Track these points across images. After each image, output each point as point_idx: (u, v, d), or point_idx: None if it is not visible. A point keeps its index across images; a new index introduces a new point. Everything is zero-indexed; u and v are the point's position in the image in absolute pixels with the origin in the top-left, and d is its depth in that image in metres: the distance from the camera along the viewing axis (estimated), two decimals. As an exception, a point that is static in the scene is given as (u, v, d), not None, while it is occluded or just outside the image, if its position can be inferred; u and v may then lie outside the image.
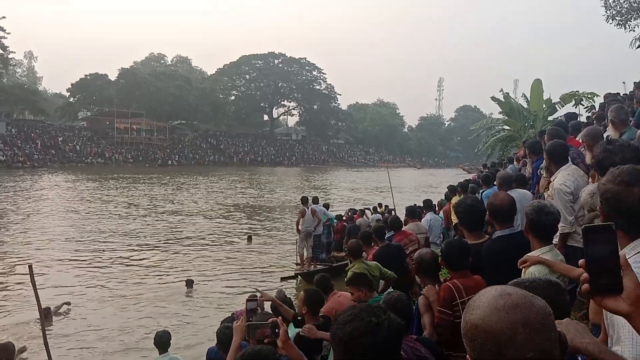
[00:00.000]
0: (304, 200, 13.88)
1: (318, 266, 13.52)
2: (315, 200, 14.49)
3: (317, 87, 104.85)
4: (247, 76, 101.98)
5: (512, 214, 3.66)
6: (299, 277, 13.31)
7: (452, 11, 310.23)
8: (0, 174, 45.00)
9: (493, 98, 27.58)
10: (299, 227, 13.67)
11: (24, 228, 20.27)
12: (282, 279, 13.38)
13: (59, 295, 11.40)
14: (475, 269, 3.65)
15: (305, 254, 13.85)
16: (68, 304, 10.78)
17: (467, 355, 1.10)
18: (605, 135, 4.78)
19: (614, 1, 26.64)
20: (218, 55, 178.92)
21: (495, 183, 7.23)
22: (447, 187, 11.73)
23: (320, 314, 4.45)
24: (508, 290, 1.08)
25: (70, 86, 76.02)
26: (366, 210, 18.27)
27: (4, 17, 63.14)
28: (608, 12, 26.91)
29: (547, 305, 1.08)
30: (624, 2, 26.51)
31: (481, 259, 3.65)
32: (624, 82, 20.61)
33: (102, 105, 75.48)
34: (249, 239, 18.61)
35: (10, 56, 68.57)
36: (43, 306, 9.51)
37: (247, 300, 3.17)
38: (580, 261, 1.12)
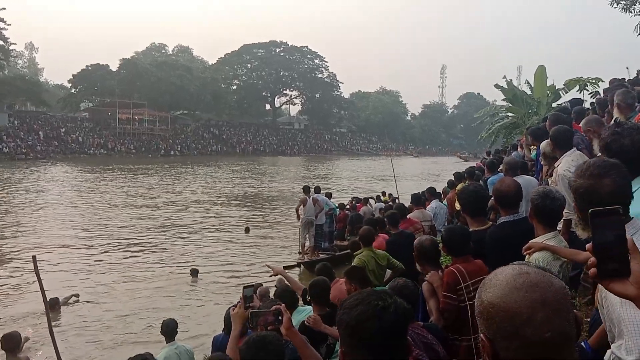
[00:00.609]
0: (306, 189, 13.93)
1: (320, 255, 13.56)
2: (317, 190, 14.50)
3: (319, 75, 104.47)
4: (248, 65, 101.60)
5: (517, 200, 3.65)
6: (302, 266, 13.35)
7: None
8: (3, 165, 45.10)
9: (496, 86, 27.35)
10: (299, 214, 13.68)
11: (28, 220, 20.34)
12: (285, 267, 13.41)
13: (64, 286, 11.47)
14: (478, 255, 3.65)
15: (307, 243, 13.87)
16: (77, 295, 10.83)
17: (481, 335, 1.09)
18: (614, 118, 4.73)
19: (618, -15, 26.32)
20: (219, 45, 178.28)
21: (499, 169, 7.20)
22: (453, 175, 11.67)
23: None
24: (526, 269, 1.08)
25: (71, 77, 76.07)
26: (370, 199, 18.28)
27: (4, 9, 63.02)
28: (613, -5, 26.60)
29: (564, 286, 1.08)
30: (629, -15, 26.20)
31: (484, 245, 3.64)
32: (627, 67, 20.41)
33: (103, 96, 75.41)
34: (247, 230, 18.44)
35: (11, 47, 68.54)
36: (51, 297, 9.64)
37: (244, 287, 3.17)
38: (587, 245, 1.11)
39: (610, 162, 1.78)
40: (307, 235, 13.78)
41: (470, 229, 3.96)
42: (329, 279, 4.93)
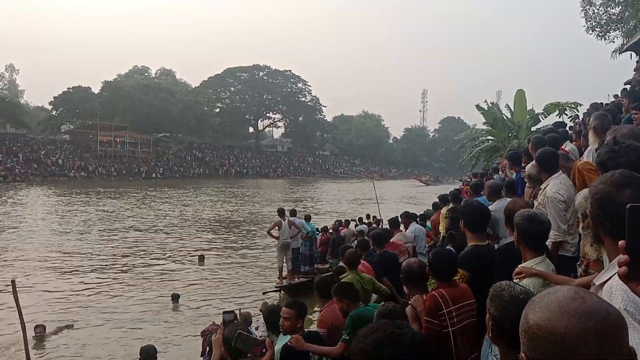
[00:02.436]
0: (281, 212, 13.68)
1: (300, 279, 13.40)
2: (293, 213, 14.26)
3: (302, 99, 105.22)
4: (231, 88, 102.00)
5: None
6: (282, 290, 13.13)
7: (435, 24, 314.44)
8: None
9: (478, 107, 27.76)
10: (275, 236, 13.51)
11: (4, 244, 19.89)
12: (264, 292, 13.23)
13: (46, 313, 11.17)
14: (477, 269, 3.62)
15: (285, 267, 13.64)
16: (70, 326, 10.51)
17: (522, 354, 1.02)
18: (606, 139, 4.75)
19: (593, 13, 27.15)
20: (202, 68, 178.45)
21: (482, 192, 7.21)
22: (438, 197, 11.73)
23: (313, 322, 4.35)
24: (582, 294, 1.00)
25: (52, 99, 75.38)
26: (351, 222, 18.20)
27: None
28: (588, 23, 27.44)
29: (622, 317, 1.00)
30: (603, 13, 27.05)
31: (483, 260, 3.63)
32: (609, 95, 21.01)
33: (85, 118, 74.72)
34: (201, 258, 17.29)
35: (-9, 69, 67.97)
36: (40, 323, 9.41)
37: (224, 313, 3.17)
38: (620, 242, 1.05)
39: (638, 175, 1.74)
40: (284, 259, 13.57)
41: (470, 244, 3.94)
42: (326, 295, 4.79)
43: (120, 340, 9.98)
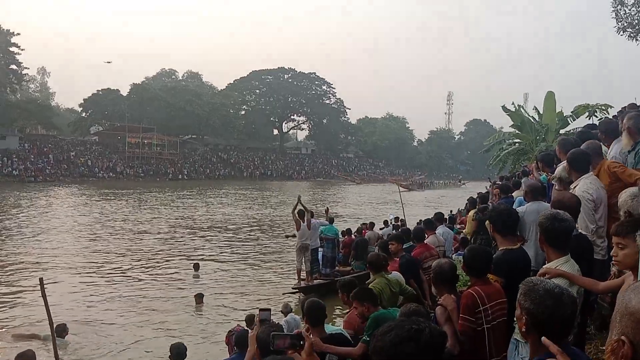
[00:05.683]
0: (301, 214, 13.60)
1: (319, 280, 13.33)
2: (311, 215, 14.15)
3: (327, 101, 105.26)
4: (257, 91, 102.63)
5: (577, 213, 3.67)
6: (300, 292, 13.02)
7: (462, 26, 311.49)
8: (13, 188, 45.39)
9: (504, 108, 27.39)
10: (296, 227, 13.49)
11: (35, 243, 20.34)
12: (284, 294, 13.23)
13: (68, 311, 11.39)
14: (508, 276, 3.62)
15: (303, 269, 13.61)
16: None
17: (623, 337, 1.05)
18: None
19: (625, 13, 26.50)
20: (228, 71, 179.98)
21: (513, 193, 7.13)
22: (467, 200, 11.66)
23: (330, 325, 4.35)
24: None
25: (82, 101, 77.17)
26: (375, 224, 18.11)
27: (18, 34, 64.41)
28: (619, 24, 26.77)
29: None
30: (635, 14, 26.37)
31: (515, 264, 3.61)
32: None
33: (113, 120, 76.25)
34: (196, 266, 16.36)
35: (24, 72, 69.90)
36: (60, 322, 9.55)
37: (260, 310, 3.18)
38: None
39: None
40: (303, 260, 13.48)
41: (500, 248, 3.91)
42: (349, 295, 4.76)
43: (147, 338, 10.11)
